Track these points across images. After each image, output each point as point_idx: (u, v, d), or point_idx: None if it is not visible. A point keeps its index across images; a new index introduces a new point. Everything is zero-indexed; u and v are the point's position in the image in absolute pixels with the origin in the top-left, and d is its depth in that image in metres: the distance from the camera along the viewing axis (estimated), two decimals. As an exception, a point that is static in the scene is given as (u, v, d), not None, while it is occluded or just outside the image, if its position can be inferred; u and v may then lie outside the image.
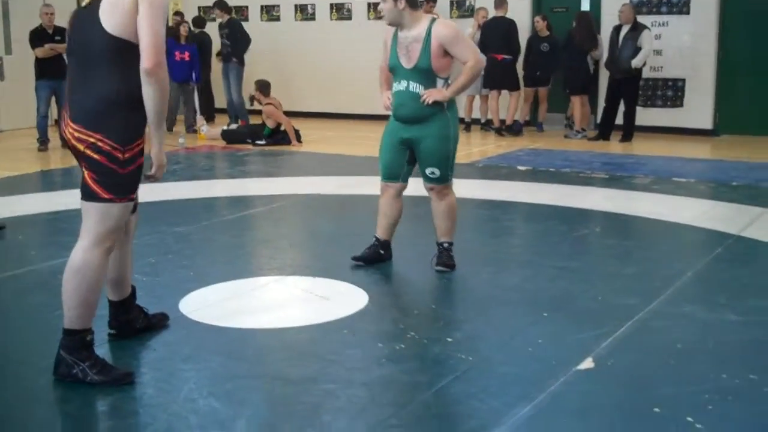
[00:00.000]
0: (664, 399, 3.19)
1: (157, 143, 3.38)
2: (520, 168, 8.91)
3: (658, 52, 11.55)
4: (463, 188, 7.08)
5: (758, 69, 11.25)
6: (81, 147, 3.27)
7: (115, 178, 3.28)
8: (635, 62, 10.71)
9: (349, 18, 13.75)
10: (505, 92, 11.81)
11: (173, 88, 11.00)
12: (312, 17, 14.25)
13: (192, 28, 12.97)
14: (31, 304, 4.46)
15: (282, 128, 11.03)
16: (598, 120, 11.62)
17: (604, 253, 5.65)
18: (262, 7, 14.48)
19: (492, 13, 11.75)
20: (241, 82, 12.33)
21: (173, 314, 4.12)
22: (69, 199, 6.39)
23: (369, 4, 13.45)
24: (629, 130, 11.08)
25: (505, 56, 11.50)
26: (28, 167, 9.17)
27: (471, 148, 10.76)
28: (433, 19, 4.78)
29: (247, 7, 14.48)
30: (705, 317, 4.15)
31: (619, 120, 11.14)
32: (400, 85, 4.82)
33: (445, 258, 4.99)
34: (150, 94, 3.23)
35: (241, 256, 5.54)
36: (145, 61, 3.19)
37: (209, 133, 11.70)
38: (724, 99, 11.55)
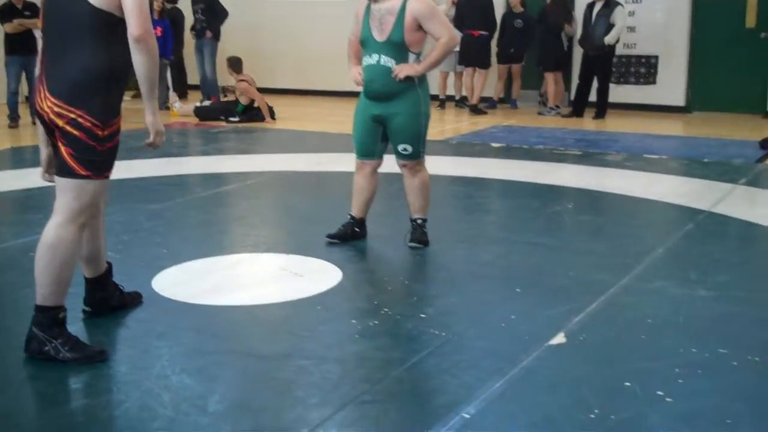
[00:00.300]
0: (635, 373, 3.22)
1: (151, 111, 3.36)
2: (494, 145, 8.93)
3: (631, 29, 11.60)
4: (437, 165, 7.09)
5: (731, 46, 11.33)
6: (60, 122, 3.23)
7: (94, 154, 3.25)
8: (608, 39, 10.74)
9: (323, -7, 13.65)
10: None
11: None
12: (286, -7, 14.15)
13: (165, 3, 12.84)
14: (1, 282, 4.42)
15: (255, 105, 10.98)
16: (572, 97, 11.67)
17: (577, 229, 5.69)
18: (235, -18, 14.35)
19: (467, -11, 11.71)
20: (215, 58, 12.24)
21: (146, 292, 4.09)
22: (37, 176, 6.31)
23: (343, -20, 13.36)
24: (602, 107, 11.14)
25: (482, 32, 11.48)
26: (-2, 144, 9.08)
27: (445, 125, 10.77)
28: (408, -7, 4.75)
29: (219, -19, 14.34)
30: (675, 293, 4.19)
31: (593, 97, 11.19)
32: (371, 59, 4.79)
33: (419, 234, 4.99)
34: (141, 62, 3.20)
35: (214, 233, 5.51)
36: (134, 29, 3.15)
37: (182, 109, 11.63)
38: (697, 76, 11.64)
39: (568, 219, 6.00)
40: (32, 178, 6.65)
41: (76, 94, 3.21)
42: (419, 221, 5.02)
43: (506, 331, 3.69)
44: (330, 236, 5.05)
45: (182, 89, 13.37)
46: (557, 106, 11.58)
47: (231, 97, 11.45)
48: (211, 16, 12.16)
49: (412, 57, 4.77)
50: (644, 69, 11.83)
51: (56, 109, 3.23)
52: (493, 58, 11.88)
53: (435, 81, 12.13)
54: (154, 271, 4.47)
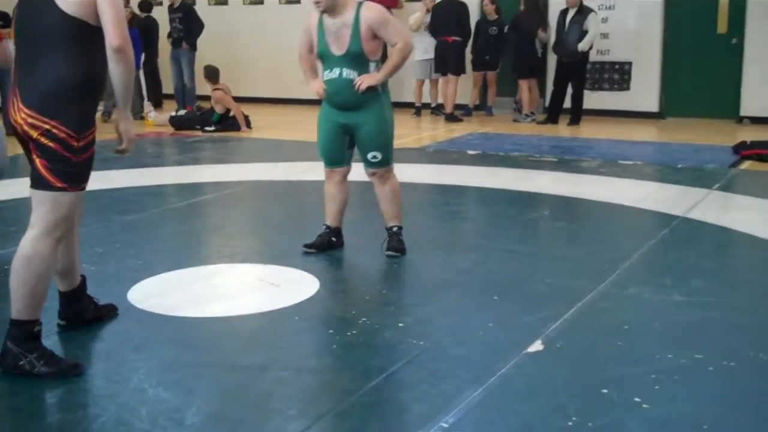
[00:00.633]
0: (612, 380, 3.24)
1: (124, 118, 3.37)
2: (470, 152, 8.95)
3: (604, 36, 11.68)
4: (413, 173, 7.11)
5: (703, 52, 11.43)
6: (34, 134, 3.19)
7: (69, 166, 3.22)
8: (582, 45, 10.81)
9: (298, 2, 13.64)
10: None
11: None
12: (260, 1, 14.14)
13: (138, 12, 12.79)
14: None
15: (231, 114, 10.95)
16: (547, 104, 11.72)
17: (553, 236, 5.71)
18: (209, -10, 14.34)
19: (442, -4, 11.73)
20: (193, 67, 12.21)
21: (121, 304, 4.06)
22: (13, 188, 6.29)
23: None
24: (577, 114, 11.20)
25: (456, 38, 11.49)
26: (-30, 156, 8.97)
27: (421, 132, 10.78)
28: (360, 3, 4.76)
29: (194, -10, 14.34)
30: (651, 298, 4.21)
31: (568, 103, 11.24)
32: (333, 73, 4.79)
33: (396, 242, 4.99)
34: (118, 71, 3.19)
35: (190, 244, 5.49)
36: (113, 39, 3.14)
37: (157, 119, 11.58)
38: (670, 82, 11.73)
39: (545, 226, 6.02)
40: (5, 189, 6.61)
41: (49, 105, 3.18)
42: (395, 229, 5.02)
43: (484, 339, 3.70)
44: (307, 246, 5.04)
45: (157, 98, 13.31)
46: (532, 113, 11.63)
47: (206, 107, 11.40)
48: (188, 25, 12.11)
49: (372, 65, 4.79)
50: (618, 75, 11.91)
51: (30, 120, 3.19)
52: (468, 66, 11.91)
53: (410, 89, 12.18)
54: (130, 283, 4.44)
